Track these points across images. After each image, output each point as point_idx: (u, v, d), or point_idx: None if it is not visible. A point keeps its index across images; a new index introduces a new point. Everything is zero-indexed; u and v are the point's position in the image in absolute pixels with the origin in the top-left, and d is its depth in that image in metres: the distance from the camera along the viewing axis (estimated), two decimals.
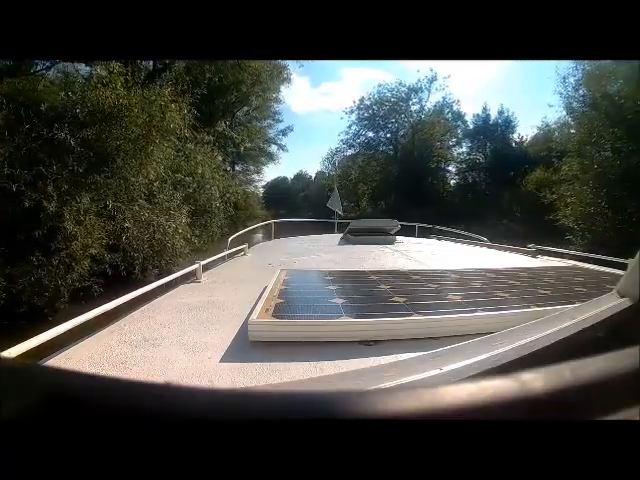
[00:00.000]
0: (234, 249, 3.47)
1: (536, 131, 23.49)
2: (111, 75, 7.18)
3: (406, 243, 4.54)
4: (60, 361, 1.05)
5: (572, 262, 3.02)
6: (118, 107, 6.74)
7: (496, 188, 22.22)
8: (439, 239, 5.25)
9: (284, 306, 1.38)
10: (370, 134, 27.18)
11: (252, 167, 24.06)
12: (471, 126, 25.75)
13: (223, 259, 3.14)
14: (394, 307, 1.39)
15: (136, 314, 1.53)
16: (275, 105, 22.34)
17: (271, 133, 23.75)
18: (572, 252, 3.40)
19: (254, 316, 1.22)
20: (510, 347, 0.53)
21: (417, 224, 6.39)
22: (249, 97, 18.14)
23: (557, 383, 0.22)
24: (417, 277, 2.05)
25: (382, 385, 0.47)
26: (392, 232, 4.71)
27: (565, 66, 14.32)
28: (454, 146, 26.25)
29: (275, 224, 5.75)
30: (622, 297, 0.59)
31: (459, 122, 25.93)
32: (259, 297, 1.52)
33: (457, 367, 0.51)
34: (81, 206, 6.03)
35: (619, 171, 10.56)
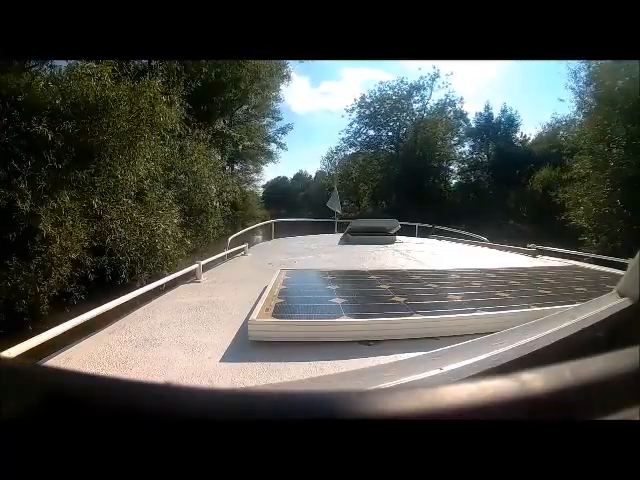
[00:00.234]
0: (234, 249, 3.47)
1: (540, 129, 23.37)
2: (98, 65, 6.70)
3: (406, 243, 4.54)
4: (60, 361, 1.05)
5: (572, 262, 3.02)
6: (104, 99, 6.31)
7: (500, 187, 21.91)
8: (439, 239, 5.25)
9: (284, 306, 1.38)
10: (371, 132, 26.69)
11: (251, 166, 23.98)
12: (473, 125, 25.48)
13: (223, 259, 3.14)
14: (394, 307, 1.39)
15: (136, 314, 1.53)
16: (275, 104, 22.26)
17: (270, 131, 23.63)
18: (572, 252, 3.39)
19: (254, 316, 1.22)
20: (510, 347, 0.53)
21: (417, 224, 6.39)
22: (248, 95, 17.87)
23: (557, 383, 0.22)
24: (417, 277, 2.05)
25: (382, 385, 0.47)
26: (392, 232, 4.70)
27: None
28: (456, 145, 25.89)
29: (275, 224, 5.74)
30: (622, 297, 0.59)
31: (461, 120, 25.59)
32: (259, 297, 1.52)
33: (457, 367, 0.51)
34: (61, 205, 5.55)
35: (637, 169, 9.83)
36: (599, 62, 12.05)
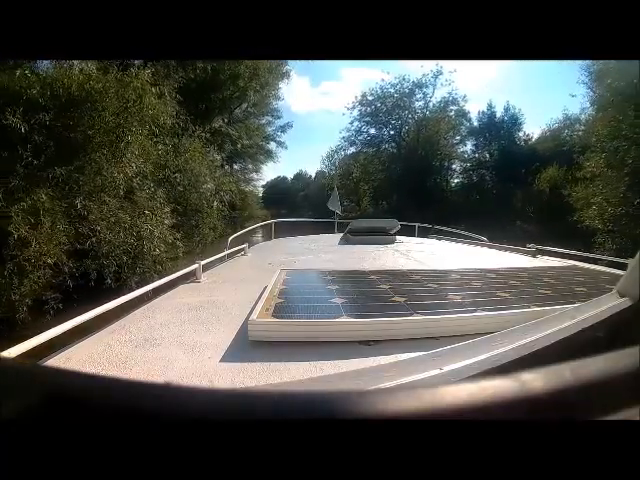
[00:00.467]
0: (234, 249, 3.47)
1: (545, 128, 23.04)
2: None
3: (406, 243, 4.54)
4: (60, 361, 1.05)
5: (572, 262, 3.02)
6: (88, 90, 5.83)
7: (505, 187, 21.49)
8: (438, 239, 5.25)
9: (284, 306, 1.38)
10: (372, 131, 26.20)
11: (250, 165, 23.76)
12: (476, 123, 25.12)
13: (223, 259, 3.14)
14: (394, 307, 1.39)
15: (136, 314, 1.53)
16: (274, 102, 22.03)
17: (270, 130, 23.42)
18: (572, 252, 3.38)
19: (254, 316, 1.22)
20: (510, 347, 0.53)
21: (417, 224, 6.39)
22: (247, 92, 17.58)
23: (557, 383, 0.22)
24: (417, 277, 2.05)
25: (382, 385, 0.47)
26: (392, 232, 4.70)
27: None
28: (458, 144, 25.52)
29: (275, 224, 5.74)
30: (622, 297, 0.59)
31: (463, 119, 25.20)
32: (259, 297, 1.52)
33: (457, 367, 0.51)
34: (38, 205, 5.05)
35: None
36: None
